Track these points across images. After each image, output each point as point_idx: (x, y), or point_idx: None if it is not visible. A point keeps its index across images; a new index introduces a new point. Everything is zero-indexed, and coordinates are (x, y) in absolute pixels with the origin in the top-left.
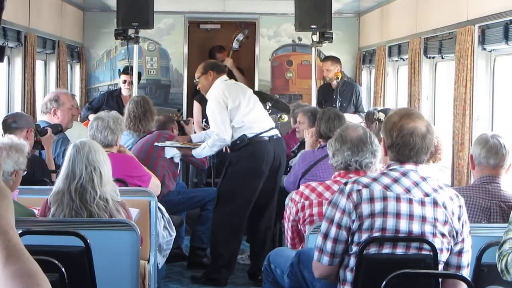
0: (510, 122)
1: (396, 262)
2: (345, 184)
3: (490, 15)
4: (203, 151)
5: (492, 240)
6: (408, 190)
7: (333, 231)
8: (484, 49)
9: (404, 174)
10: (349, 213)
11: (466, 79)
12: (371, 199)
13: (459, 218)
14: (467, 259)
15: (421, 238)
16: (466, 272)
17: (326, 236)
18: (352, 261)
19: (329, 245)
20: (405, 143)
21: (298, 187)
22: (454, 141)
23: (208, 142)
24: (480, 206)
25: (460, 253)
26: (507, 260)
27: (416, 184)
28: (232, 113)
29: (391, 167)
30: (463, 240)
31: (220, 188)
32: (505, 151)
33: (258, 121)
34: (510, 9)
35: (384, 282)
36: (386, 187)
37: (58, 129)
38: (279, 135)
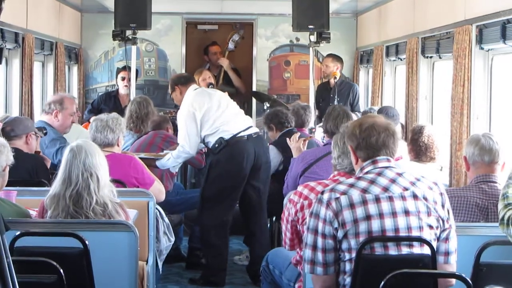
0: (508, 121)
1: (394, 262)
2: (322, 193)
3: (487, 14)
4: (167, 162)
5: (490, 240)
6: (386, 189)
7: (320, 241)
8: (482, 48)
9: (380, 174)
10: (330, 222)
11: (464, 79)
12: (351, 205)
13: (443, 206)
14: (454, 244)
15: (420, 238)
16: (455, 258)
17: (314, 247)
18: (348, 266)
19: (320, 255)
20: (369, 134)
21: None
22: (452, 141)
23: (173, 153)
24: (478, 206)
25: (447, 239)
26: (510, 217)
27: (393, 181)
28: (203, 121)
29: (365, 170)
30: (450, 226)
31: (203, 192)
32: (498, 147)
33: (232, 122)
34: (507, 8)
35: (382, 282)
36: (364, 190)
37: (43, 132)
38: (259, 133)
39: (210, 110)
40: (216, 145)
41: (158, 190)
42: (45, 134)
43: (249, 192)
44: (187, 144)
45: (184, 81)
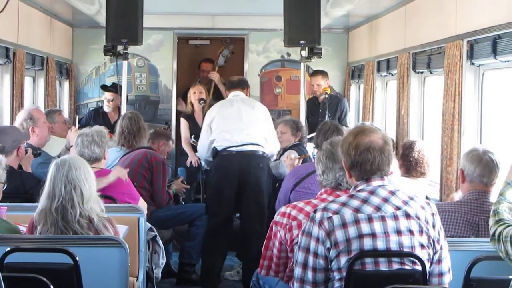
0: (499, 137)
1: (385, 277)
2: (315, 211)
3: (478, 30)
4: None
5: (481, 255)
6: (378, 208)
7: (311, 260)
8: (473, 63)
9: (372, 192)
10: (322, 241)
11: (455, 94)
12: (344, 225)
13: (434, 226)
14: (447, 264)
15: (410, 253)
16: (449, 277)
17: (305, 266)
18: (338, 284)
19: (309, 274)
20: (365, 159)
21: (290, 201)
22: (443, 156)
23: None
24: (468, 221)
25: (439, 261)
26: (501, 233)
27: (386, 200)
28: (212, 127)
29: (358, 188)
30: (441, 247)
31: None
32: (497, 169)
33: (231, 134)
34: (498, 23)
35: None
36: (356, 210)
37: (37, 152)
38: (257, 152)
39: (217, 118)
40: (211, 154)
41: (143, 205)
42: (39, 154)
43: (242, 206)
44: (198, 145)
45: (227, 86)
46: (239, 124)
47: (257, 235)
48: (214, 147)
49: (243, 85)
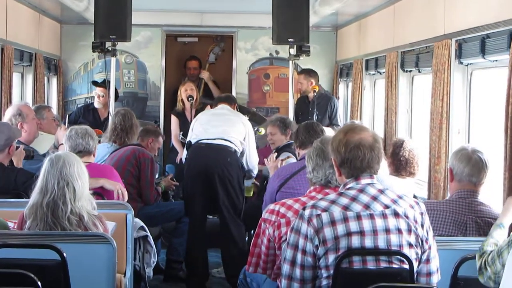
0: (487, 136)
1: (372, 276)
2: (304, 209)
3: (466, 29)
4: None
5: (468, 254)
6: (367, 206)
7: (299, 257)
8: (461, 63)
9: (362, 191)
10: (311, 238)
11: (443, 93)
12: (332, 222)
13: (422, 225)
14: (436, 264)
15: (398, 252)
16: (437, 277)
17: (293, 263)
18: (325, 282)
19: (298, 271)
20: (355, 156)
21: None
22: (431, 155)
23: None
24: (456, 221)
25: (428, 260)
26: (486, 260)
27: (375, 198)
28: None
29: (347, 186)
30: (429, 246)
31: None
32: (486, 169)
33: (206, 130)
34: (486, 23)
35: None
36: (345, 208)
37: (30, 154)
38: (227, 147)
39: (200, 117)
40: (187, 147)
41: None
42: (32, 157)
43: (215, 200)
44: None
45: (215, 101)
46: (218, 122)
47: (233, 227)
48: (189, 140)
49: (230, 100)
